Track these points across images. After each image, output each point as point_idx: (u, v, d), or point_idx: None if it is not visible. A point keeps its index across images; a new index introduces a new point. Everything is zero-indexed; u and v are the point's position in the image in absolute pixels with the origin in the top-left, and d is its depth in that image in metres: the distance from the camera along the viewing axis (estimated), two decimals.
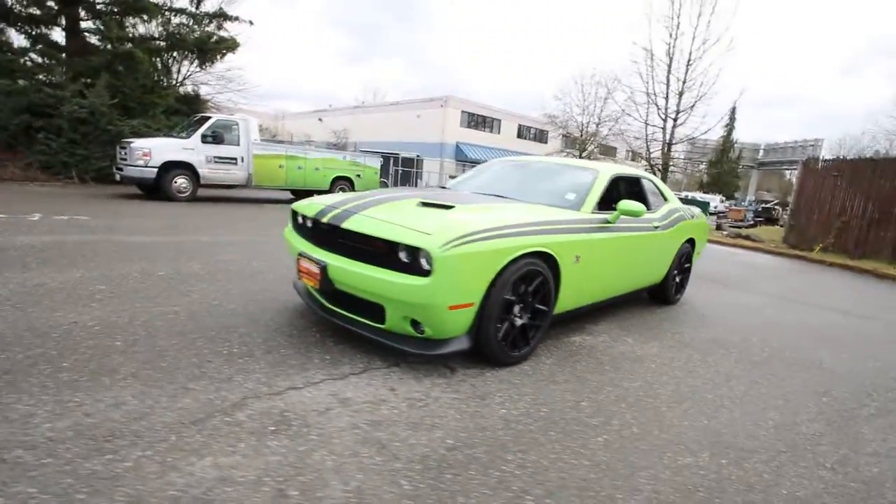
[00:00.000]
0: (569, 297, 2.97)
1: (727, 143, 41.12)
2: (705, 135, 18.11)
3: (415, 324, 2.31)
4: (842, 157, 12.59)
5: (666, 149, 17.29)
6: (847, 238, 11.05)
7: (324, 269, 2.45)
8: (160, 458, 1.52)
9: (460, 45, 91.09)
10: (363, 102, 42.23)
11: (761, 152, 51.34)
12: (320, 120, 37.49)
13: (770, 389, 2.74)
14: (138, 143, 8.71)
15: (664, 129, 17.16)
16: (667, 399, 2.44)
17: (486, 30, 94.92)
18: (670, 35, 16.45)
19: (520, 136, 32.44)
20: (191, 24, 14.56)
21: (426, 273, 2.16)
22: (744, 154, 43.88)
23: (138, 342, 2.37)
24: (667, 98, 16.67)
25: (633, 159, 36.97)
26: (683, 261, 4.59)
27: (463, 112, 29.39)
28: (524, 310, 2.62)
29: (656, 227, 3.89)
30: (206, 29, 14.70)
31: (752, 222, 21.70)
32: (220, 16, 14.62)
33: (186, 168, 9.00)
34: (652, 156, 18.09)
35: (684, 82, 16.32)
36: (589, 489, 1.63)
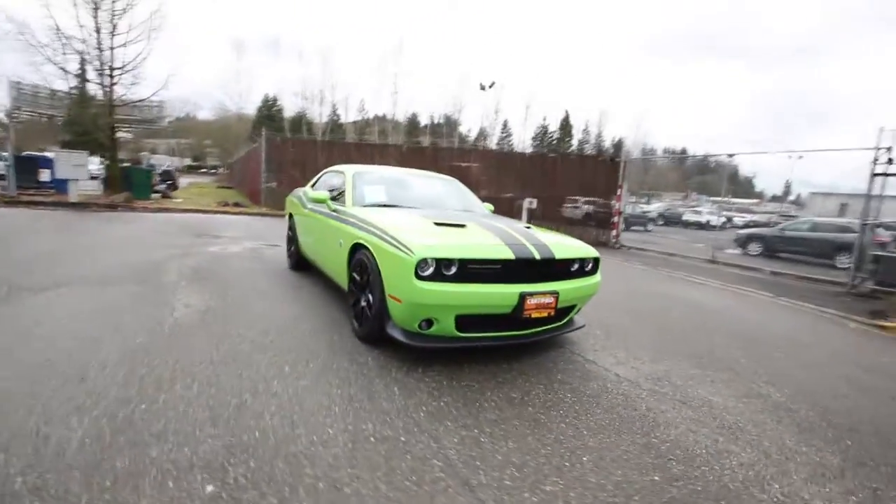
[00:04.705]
0: None
1: (84, 97, 36.69)
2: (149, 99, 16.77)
3: (571, 310, 3.43)
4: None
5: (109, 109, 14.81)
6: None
7: (557, 295, 2.94)
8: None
9: None
10: None
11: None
12: None
13: None
14: None
15: (102, 84, 14.50)
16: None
17: None
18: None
19: None
20: None
21: (594, 272, 3.41)
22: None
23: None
24: (100, 49, 14.00)
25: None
26: None
27: None
28: None
29: None
30: None
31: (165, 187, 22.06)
32: None
33: None
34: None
35: (113, 34, 14.29)
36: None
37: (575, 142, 46.81)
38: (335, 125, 42.58)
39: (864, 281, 7.28)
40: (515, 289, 2.81)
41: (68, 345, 2.77)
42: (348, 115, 45.90)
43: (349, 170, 4.42)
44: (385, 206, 3.88)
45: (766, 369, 3.38)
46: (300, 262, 5.33)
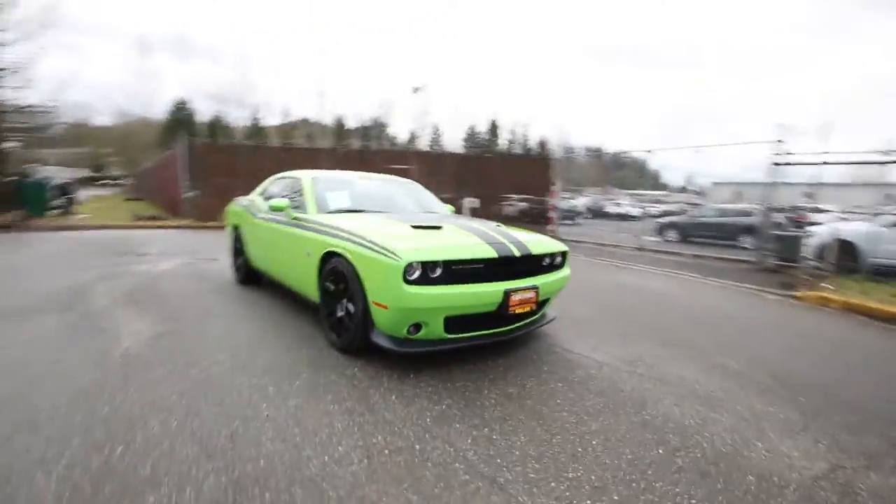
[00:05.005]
0: None
1: None
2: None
3: (545, 303, 3.54)
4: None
5: None
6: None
7: (537, 290, 3.03)
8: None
9: None
10: None
11: None
12: None
13: None
14: None
15: None
16: None
17: None
18: None
19: None
20: None
21: (562, 266, 3.54)
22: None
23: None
24: None
25: None
26: None
27: None
28: None
29: None
30: None
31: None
32: None
33: None
34: None
35: None
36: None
37: (503, 142, 48.30)
38: (257, 129, 40.33)
39: (768, 258, 8.28)
40: (500, 286, 2.85)
41: (2, 391, 2.37)
42: (271, 119, 43.61)
43: (305, 175, 4.21)
44: (351, 211, 3.76)
45: (718, 343, 3.72)
46: (250, 276, 5.00)
